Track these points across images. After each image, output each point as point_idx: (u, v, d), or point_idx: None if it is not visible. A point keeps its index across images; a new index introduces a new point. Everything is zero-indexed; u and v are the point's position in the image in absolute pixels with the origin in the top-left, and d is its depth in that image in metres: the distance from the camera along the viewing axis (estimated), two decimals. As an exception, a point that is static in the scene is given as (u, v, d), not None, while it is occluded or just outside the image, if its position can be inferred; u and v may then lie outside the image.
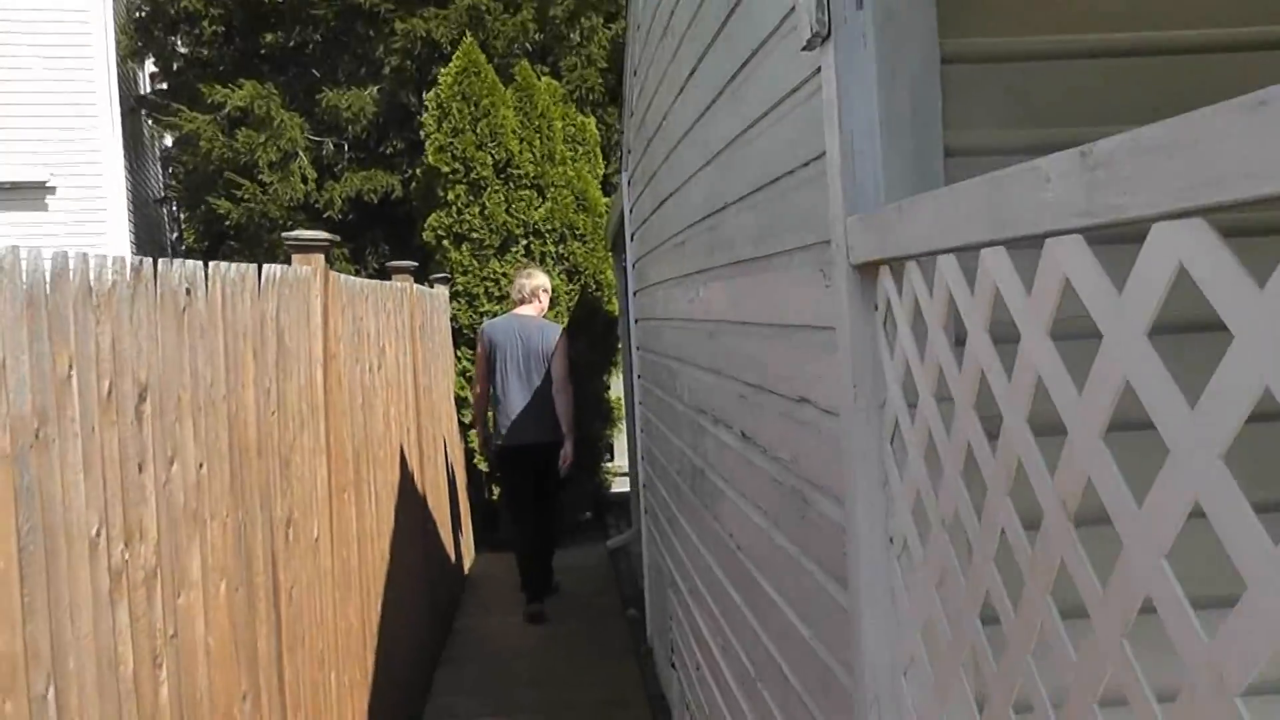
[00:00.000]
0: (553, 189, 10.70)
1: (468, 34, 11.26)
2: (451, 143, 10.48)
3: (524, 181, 10.59)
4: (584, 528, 11.42)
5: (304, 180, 12.83)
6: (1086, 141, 1.19)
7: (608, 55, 13.06)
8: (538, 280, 8.75)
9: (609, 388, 11.56)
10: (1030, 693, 1.45)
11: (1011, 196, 1.40)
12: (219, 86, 12.87)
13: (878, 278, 2.04)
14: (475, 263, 10.54)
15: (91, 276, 2.30)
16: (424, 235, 10.79)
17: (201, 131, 12.97)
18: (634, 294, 7.20)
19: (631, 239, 7.22)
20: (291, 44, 13.10)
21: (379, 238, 13.17)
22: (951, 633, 1.79)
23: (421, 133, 11.06)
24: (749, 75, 3.07)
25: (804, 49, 2.21)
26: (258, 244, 12.94)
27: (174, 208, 17.54)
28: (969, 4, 2.22)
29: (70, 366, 2.17)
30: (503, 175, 10.55)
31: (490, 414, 8.83)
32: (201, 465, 2.93)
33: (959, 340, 1.68)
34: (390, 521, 6.09)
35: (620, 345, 10.99)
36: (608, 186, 12.10)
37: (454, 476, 9.86)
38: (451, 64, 10.75)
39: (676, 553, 5.50)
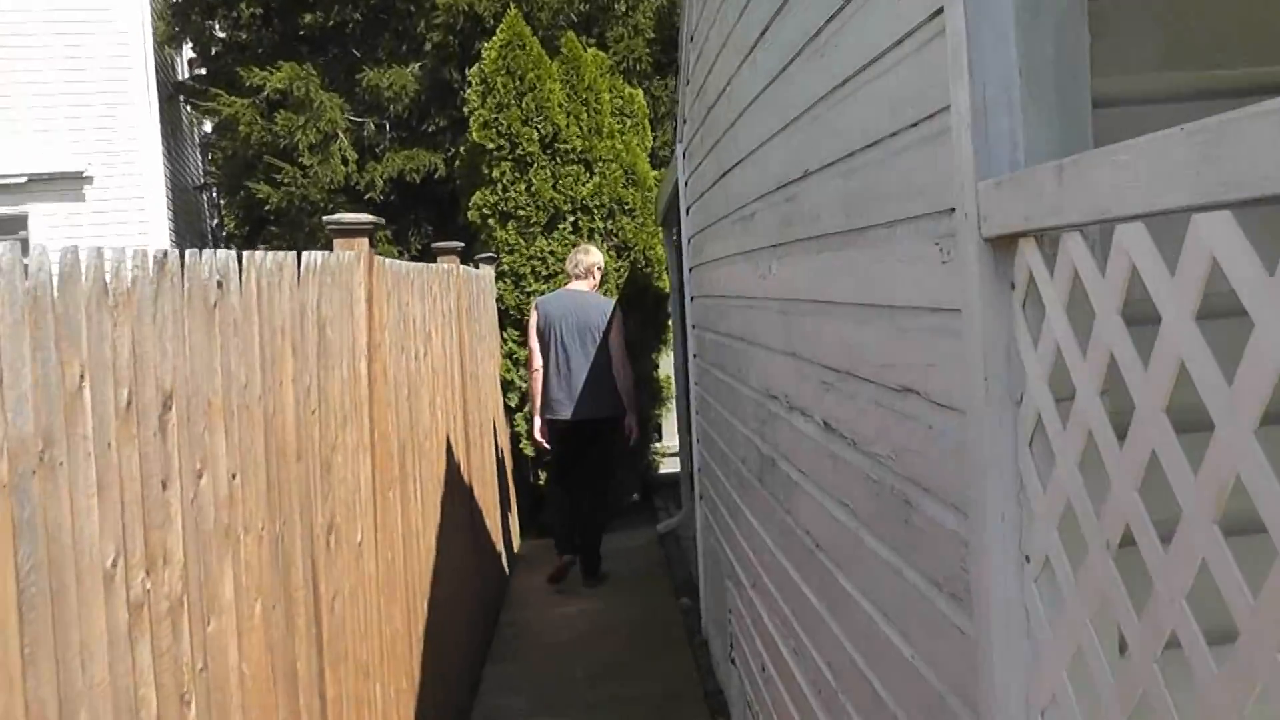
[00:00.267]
0: (601, 163, 10.36)
1: (512, 6, 10.93)
2: (496, 118, 10.17)
3: (571, 156, 10.27)
4: (632, 510, 11.12)
5: (344, 162, 12.58)
6: (1263, 84, 0.87)
7: (655, 25, 12.72)
8: (594, 257, 8.77)
9: (658, 366, 11.24)
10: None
11: (1242, 148, 1.08)
12: (257, 70, 12.62)
13: (1016, 252, 1.72)
14: (522, 241, 10.24)
15: (108, 274, 2.01)
16: (468, 214, 10.49)
17: (240, 115, 12.74)
18: (689, 270, 6.87)
19: (687, 213, 6.89)
20: (331, 24, 12.83)
21: (422, 218, 12.92)
22: (1114, 675, 1.48)
23: (465, 109, 10.75)
24: (840, 27, 2.74)
25: (924, -16, 1.89)
26: (299, 228, 12.71)
27: (214, 194, 17.40)
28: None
29: (82, 377, 1.89)
30: (549, 150, 10.23)
31: (541, 389, 8.71)
32: (234, 476, 2.65)
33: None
34: (436, 516, 5.82)
35: (670, 322, 10.70)
36: (655, 160, 11.79)
37: (501, 463, 9.59)
38: (495, 37, 10.43)
39: (738, 544, 5.20)
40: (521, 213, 10.19)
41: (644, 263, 10.55)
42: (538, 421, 8.85)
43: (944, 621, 2.16)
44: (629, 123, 11.08)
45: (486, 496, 8.23)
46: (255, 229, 13.96)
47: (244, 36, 13.62)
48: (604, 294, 9.33)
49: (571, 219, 10.30)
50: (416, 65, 12.50)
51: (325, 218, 4.13)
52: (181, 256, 2.38)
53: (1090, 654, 1.54)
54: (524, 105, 10.16)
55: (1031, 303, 1.69)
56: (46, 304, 1.80)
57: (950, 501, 2.07)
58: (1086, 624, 1.54)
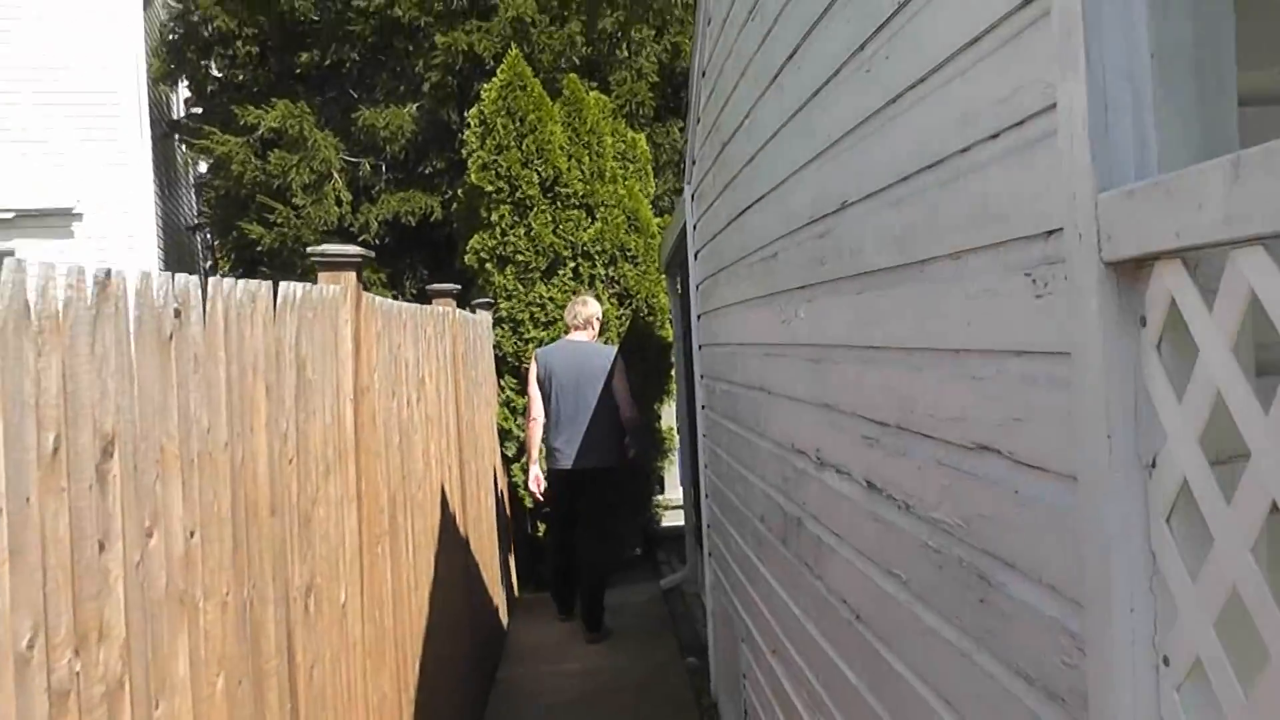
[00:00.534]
0: (603, 208, 10.04)
1: (513, 46, 10.65)
2: (495, 160, 9.86)
3: (572, 201, 9.95)
4: (634, 564, 10.75)
5: (339, 203, 12.25)
6: None
7: (659, 69, 12.44)
8: (592, 308, 8.75)
9: (660, 417, 10.89)
10: None
11: None
12: (252, 108, 12.32)
13: (1150, 279, 1.38)
14: (520, 286, 9.90)
15: (31, 293, 1.66)
16: (465, 258, 10.16)
17: (234, 154, 12.43)
18: (697, 317, 6.54)
19: (695, 258, 6.56)
20: (328, 63, 12.53)
21: (417, 261, 12.58)
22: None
23: (463, 151, 10.42)
24: (892, 37, 2.42)
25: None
26: (290, 270, 12.35)
27: (207, 235, 17.07)
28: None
29: (-10, 417, 1.54)
30: (550, 194, 9.91)
31: (542, 439, 8.71)
32: (193, 534, 2.29)
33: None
34: (429, 571, 5.45)
35: (674, 372, 10.37)
36: (656, 209, 11.50)
37: (499, 514, 9.23)
38: (496, 77, 10.14)
39: (754, 606, 4.83)
40: (520, 257, 9.86)
41: (647, 311, 10.22)
42: (534, 470, 8.79)
43: (1029, 722, 1.81)
44: (631, 167, 10.79)
45: (483, 548, 7.85)
46: (249, 270, 13.63)
47: (240, 76, 13.32)
48: (605, 343, 9.17)
49: (572, 264, 9.97)
50: (414, 105, 12.20)
51: (310, 249, 3.78)
52: (125, 279, 2.04)
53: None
54: (524, 147, 9.86)
55: (1171, 342, 1.36)
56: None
57: (1046, 581, 1.72)
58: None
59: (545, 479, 8.76)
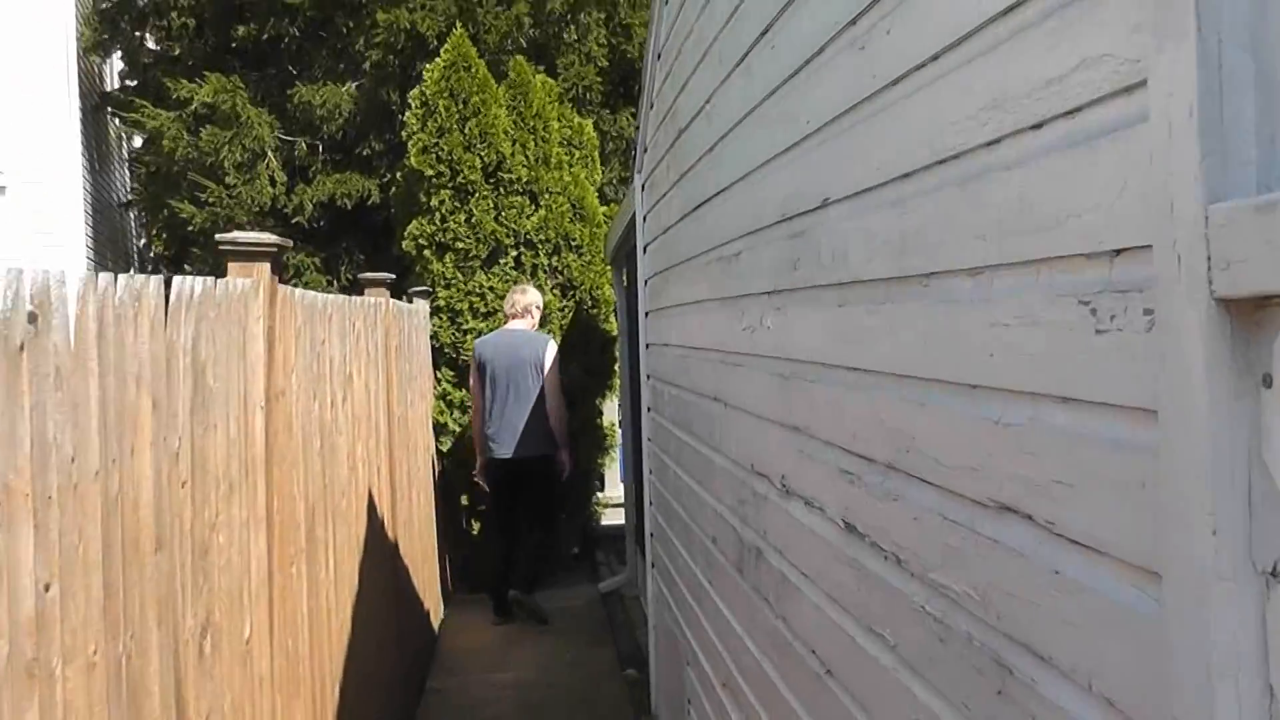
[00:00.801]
0: (547, 195, 9.62)
1: (458, 25, 10.19)
2: (437, 143, 9.42)
3: (515, 187, 9.51)
4: (571, 563, 10.34)
5: (272, 183, 11.74)
6: None
7: (608, 54, 12.02)
8: (531, 296, 8.66)
9: (602, 413, 10.50)
10: None
11: None
12: (185, 81, 11.80)
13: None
14: (459, 275, 9.47)
15: None
16: (403, 244, 9.70)
17: (165, 129, 11.89)
18: (645, 315, 6.15)
19: (644, 251, 6.18)
20: (265, 37, 12.00)
21: (354, 247, 12.12)
22: None
23: (403, 133, 9.95)
24: (896, 5, 2.05)
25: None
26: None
27: (141, 212, 16.49)
28: None
29: None
30: (492, 180, 9.48)
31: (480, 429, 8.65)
32: (48, 587, 1.90)
33: None
34: (353, 585, 5.05)
35: (617, 367, 9.99)
36: (604, 196, 11.11)
37: (430, 512, 8.83)
38: (439, 58, 9.68)
39: (703, 632, 4.47)
40: (460, 245, 9.43)
41: (590, 303, 9.82)
42: (480, 460, 8.70)
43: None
44: (578, 154, 10.38)
45: (414, 552, 7.45)
46: (181, 251, 13.13)
47: (176, 49, 12.77)
48: (547, 334, 8.84)
49: (514, 253, 9.55)
50: (353, 85, 11.72)
51: (220, 235, 3.37)
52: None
53: None
54: (467, 130, 9.42)
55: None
56: None
57: (1099, 691, 1.37)
58: None
59: (483, 466, 8.64)
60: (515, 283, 9.26)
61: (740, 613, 3.65)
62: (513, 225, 9.48)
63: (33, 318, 1.86)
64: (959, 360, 1.81)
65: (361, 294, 6.60)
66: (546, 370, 8.37)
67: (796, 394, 2.85)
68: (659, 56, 5.45)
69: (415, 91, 9.83)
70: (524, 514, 8.60)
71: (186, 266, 13.19)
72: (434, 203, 9.42)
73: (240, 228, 11.47)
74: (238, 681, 3.07)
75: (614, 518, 10.96)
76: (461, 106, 9.42)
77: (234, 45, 12.12)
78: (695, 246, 4.37)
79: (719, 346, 3.93)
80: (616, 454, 10.83)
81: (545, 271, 9.62)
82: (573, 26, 11.86)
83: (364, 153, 11.87)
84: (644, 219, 6.17)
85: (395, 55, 11.41)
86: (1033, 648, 1.55)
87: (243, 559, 3.14)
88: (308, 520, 4.04)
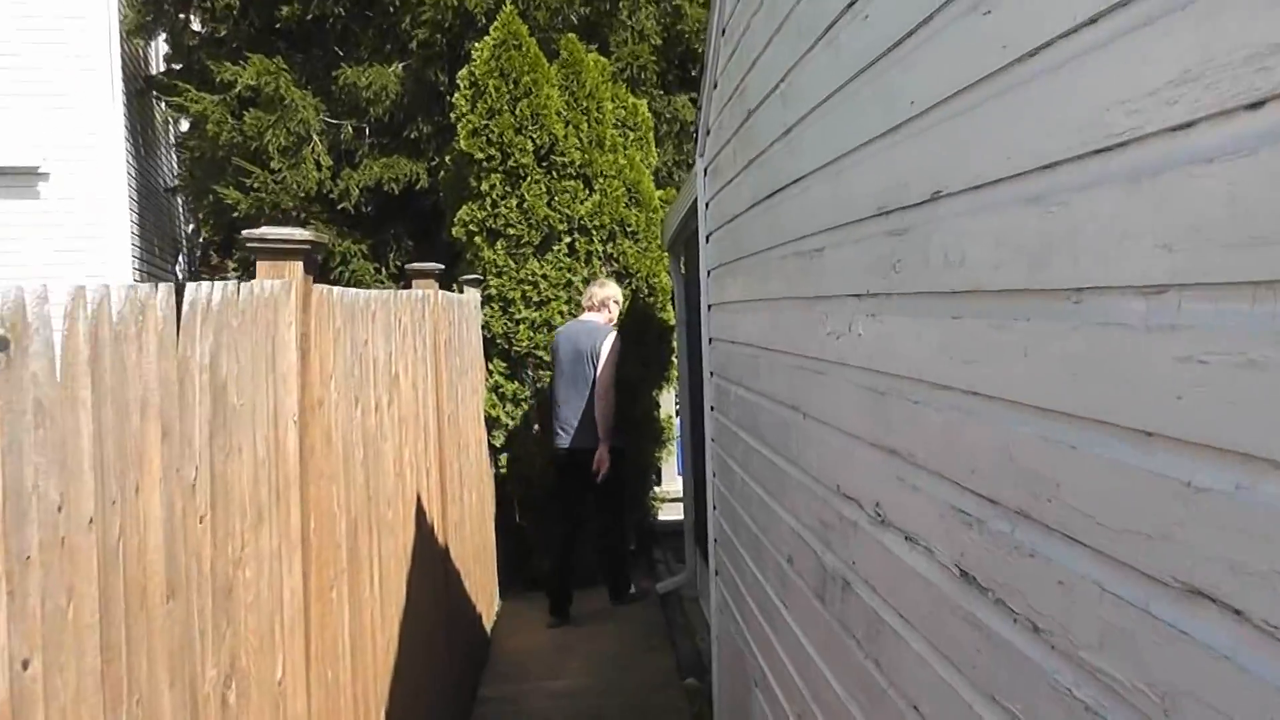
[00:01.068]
0: (601, 179, 9.26)
1: (507, 3, 9.85)
2: (487, 125, 9.08)
3: (569, 170, 9.16)
4: (629, 562, 10.01)
5: (318, 167, 11.45)
6: None
7: (662, 32, 11.64)
8: (608, 290, 8.66)
9: (659, 406, 10.14)
10: None
11: None
12: (229, 65, 11.52)
13: None
14: (511, 263, 9.13)
15: None
16: (453, 230, 9.37)
17: (209, 113, 11.62)
18: (709, 307, 5.80)
19: (706, 240, 5.82)
20: (310, 17, 11.69)
21: (402, 233, 11.80)
22: None
23: (452, 115, 9.61)
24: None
25: None
26: (269, 238, 11.58)
27: (188, 198, 16.28)
28: None
29: None
30: (545, 163, 9.13)
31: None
32: (26, 663, 1.59)
33: None
34: (400, 597, 4.75)
35: (675, 359, 9.65)
36: (658, 179, 10.75)
37: (483, 511, 8.54)
38: (488, 36, 9.32)
39: (774, 655, 4.13)
40: (512, 231, 9.09)
41: (647, 291, 9.47)
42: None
43: None
44: (632, 136, 10.01)
45: (465, 554, 7.15)
46: (229, 237, 12.88)
47: (222, 30, 12.48)
48: (613, 327, 8.68)
49: (568, 240, 9.20)
50: (399, 65, 11.38)
51: (246, 232, 3.04)
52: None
53: None
54: (518, 112, 9.08)
55: None
56: None
57: None
58: None
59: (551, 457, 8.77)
60: (570, 270, 9.13)
61: (821, 644, 3.31)
62: (566, 210, 9.14)
63: (3, 344, 1.54)
64: (1127, 399, 1.46)
65: (409, 285, 6.30)
66: (602, 362, 8.31)
67: (895, 413, 2.50)
68: (723, 32, 5.09)
69: (464, 71, 9.48)
70: (586, 506, 8.61)
71: (235, 255, 12.96)
72: (484, 187, 9.10)
73: (285, 213, 11.21)
74: (268, 728, 2.77)
75: (671, 513, 10.60)
76: (512, 87, 9.08)
77: (278, 26, 11.82)
78: (767, 239, 4.02)
79: (795, 350, 3.58)
80: (674, 447, 10.50)
81: (600, 259, 9.28)
82: (624, 2, 11.48)
83: (411, 135, 11.54)
84: (706, 206, 5.81)
85: (443, 34, 11.07)
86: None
87: (274, 592, 2.83)
88: (350, 537, 3.73)
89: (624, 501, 8.92)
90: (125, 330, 1.95)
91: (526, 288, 9.11)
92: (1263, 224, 1.17)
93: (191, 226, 16.89)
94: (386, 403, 4.52)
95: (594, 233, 9.22)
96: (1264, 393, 1.18)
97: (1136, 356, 1.44)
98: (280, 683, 2.88)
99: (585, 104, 9.34)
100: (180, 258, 16.81)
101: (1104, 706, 1.53)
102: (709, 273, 5.77)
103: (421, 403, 5.56)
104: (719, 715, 6.02)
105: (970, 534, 2.03)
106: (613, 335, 8.39)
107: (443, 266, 7.05)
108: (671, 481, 11.02)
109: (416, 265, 6.62)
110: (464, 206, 9.25)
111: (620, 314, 8.95)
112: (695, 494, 8.47)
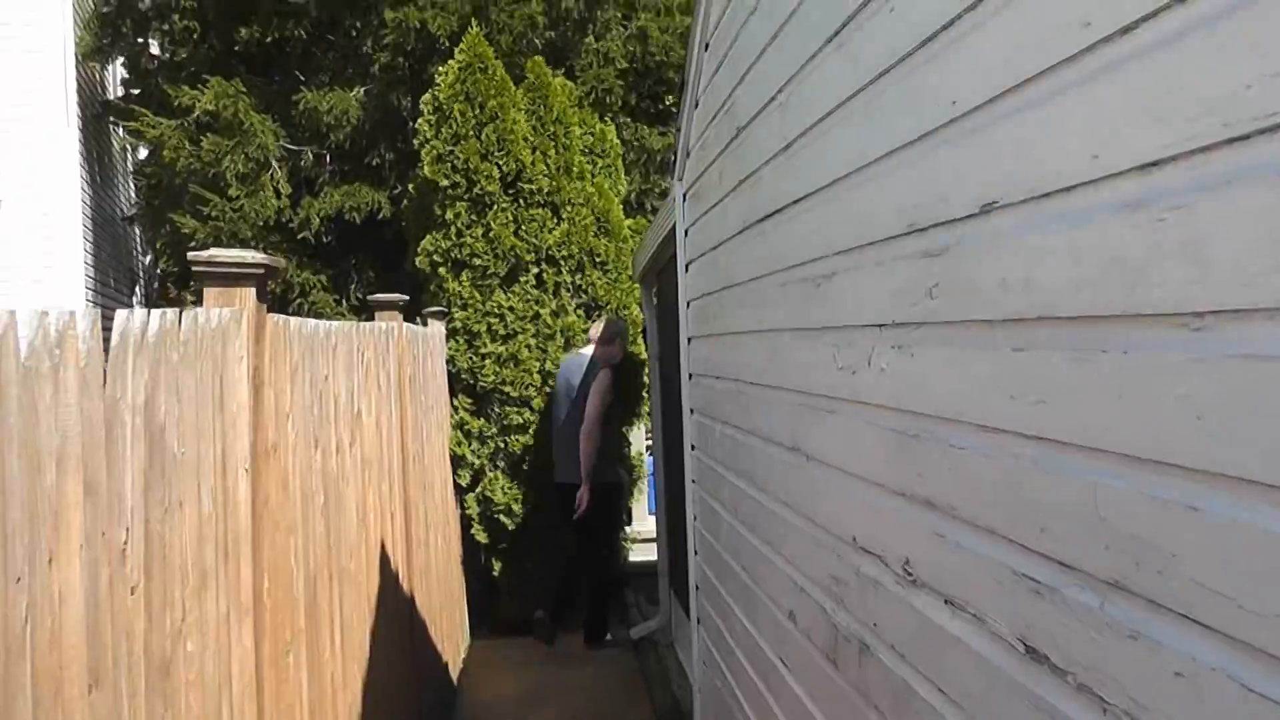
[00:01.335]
0: (570, 207, 8.95)
1: (472, 24, 9.54)
2: (451, 151, 8.76)
3: (536, 198, 8.84)
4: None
5: (277, 195, 11.10)
6: None
7: (627, 56, 11.37)
8: (615, 327, 8.53)
9: (630, 444, 9.81)
10: None
11: None
12: (186, 88, 11.18)
13: None
14: (477, 294, 8.78)
15: None
16: (416, 261, 9.02)
17: (167, 139, 11.26)
18: (689, 340, 5.49)
19: (686, 269, 5.52)
20: (270, 39, 11.36)
21: (363, 264, 11.45)
22: None
23: (415, 141, 9.29)
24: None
25: None
26: (225, 269, 11.21)
27: (145, 227, 15.89)
28: None
29: None
30: (511, 190, 8.81)
31: None
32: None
33: None
34: (363, 654, 4.40)
35: (648, 394, 9.32)
36: (627, 208, 10.47)
37: (449, 554, 8.19)
38: (453, 59, 9.00)
39: (771, 715, 3.81)
40: (478, 261, 8.75)
41: (617, 324, 9.16)
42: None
43: None
44: (600, 163, 9.74)
45: (432, 602, 6.79)
46: (186, 268, 12.48)
47: (181, 53, 12.12)
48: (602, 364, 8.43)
49: (535, 270, 8.87)
50: (361, 89, 11.06)
51: (192, 255, 2.72)
52: None
53: None
54: (484, 137, 8.76)
55: None
56: None
57: None
58: None
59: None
60: (538, 302, 8.88)
61: (832, 713, 3.00)
62: (534, 240, 8.82)
63: None
64: (1252, 454, 1.17)
65: (372, 317, 5.97)
66: (589, 396, 8.13)
67: (929, 458, 2.20)
68: (706, 46, 4.80)
69: (428, 96, 9.14)
70: (578, 542, 8.49)
71: (192, 283, 12.58)
72: (449, 216, 8.77)
73: (244, 242, 10.84)
74: (213, 821, 2.42)
75: (642, 553, 10.25)
76: (478, 111, 8.76)
77: (238, 49, 11.50)
78: (761, 265, 3.72)
79: (797, 386, 3.28)
80: (645, 485, 10.17)
81: (568, 290, 8.97)
82: (590, 25, 11.21)
83: (374, 162, 11.23)
84: (686, 232, 5.51)
85: (405, 57, 10.78)
86: None
87: (221, 665, 2.49)
88: (308, 593, 3.40)
89: (609, 540, 8.77)
90: (38, 365, 1.63)
91: (493, 320, 8.78)
92: None
93: (149, 257, 16.50)
94: (349, 443, 4.19)
95: (562, 263, 8.91)
96: None
97: (1262, 403, 1.14)
98: (228, 766, 2.54)
99: (553, 129, 9.04)
100: (137, 289, 16.42)
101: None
102: (689, 303, 5.46)
103: (386, 442, 5.23)
104: (703, 771, 5.69)
105: (1040, 604, 1.73)
106: (604, 373, 8.19)
107: (407, 298, 6.72)
108: (642, 521, 10.66)
109: (380, 296, 6.30)
110: (428, 236, 8.92)
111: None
112: (670, 535, 8.13)
